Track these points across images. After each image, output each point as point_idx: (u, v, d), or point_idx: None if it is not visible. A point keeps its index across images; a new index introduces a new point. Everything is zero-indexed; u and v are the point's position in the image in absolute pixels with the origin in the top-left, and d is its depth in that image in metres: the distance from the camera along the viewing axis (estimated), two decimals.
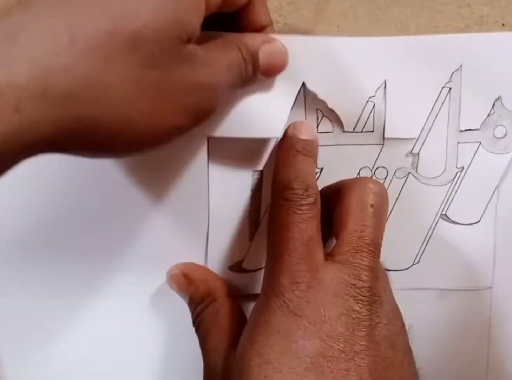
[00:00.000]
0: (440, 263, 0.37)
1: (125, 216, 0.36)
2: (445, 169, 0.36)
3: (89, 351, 0.37)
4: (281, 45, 0.32)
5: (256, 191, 0.36)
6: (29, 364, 0.37)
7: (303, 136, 0.33)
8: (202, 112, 0.29)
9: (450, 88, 0.35)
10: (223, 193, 0.36)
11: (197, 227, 0.36)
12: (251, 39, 0.31)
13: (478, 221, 0.36)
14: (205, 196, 0.35)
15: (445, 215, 0.36)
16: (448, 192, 0.36)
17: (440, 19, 0.36)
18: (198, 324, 0.34)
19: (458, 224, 0.36)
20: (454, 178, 0.36)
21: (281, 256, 0.30)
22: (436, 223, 0.36)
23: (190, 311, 0.35)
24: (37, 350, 0.37)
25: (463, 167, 0.36)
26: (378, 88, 0.34)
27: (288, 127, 0.34)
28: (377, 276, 0.30)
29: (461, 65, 0.34)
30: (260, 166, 0.35)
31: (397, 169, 0.36)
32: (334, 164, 0.35)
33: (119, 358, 0.37)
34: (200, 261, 0.36)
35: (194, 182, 0.35)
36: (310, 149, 0.33)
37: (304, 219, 0.30)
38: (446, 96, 0.35)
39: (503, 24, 0.36)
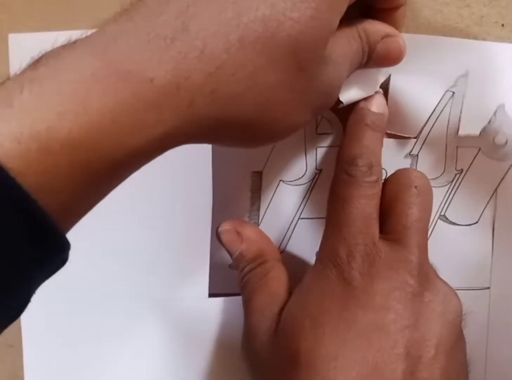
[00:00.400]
0: (438, 263, 0.37)
1: (129, 214, 0.36)
2: (444, 171, 0.36)
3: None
4: (402, 41, 0.32)
5: (255, 191, 0.36)
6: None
7: (374, 108, 0.33)
8: (323, 109, 0.30)
9: (454, 93, 0.35)
10: (225, 193, 0.36)
11: (200, 226, 0.36)
12: (375, 30, 0.31)
13: (476, 222, 0.36)
14: (209, 196, 0.35)
15: (444, 215, 0.37)
16: (447, 193, 0.36)
17: (440, 19, 0.35)
18: (245, 283, 0.34)
19: (457, 224, 0.37)
20: (453, 179, 0.36)
21: (339, 228, 0.31)
22: (435, 224, 0.37)
23: (237, 268, 0.35)
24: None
25: (462, 170, 0.36)
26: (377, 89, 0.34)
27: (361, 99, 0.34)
28: (427, 255, 0.31)
29: (467, 71, 0.34)
30: (260, 168, 0.36)
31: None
32: (333, 166, 0.35)
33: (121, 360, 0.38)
34: (203, 259, 0.36)
35: (198, 183, 0.35)
36: (379, 124, 0.33)
37: (364, 196, 0.31)
38: (449, 100, 0.35)
39: (502, 25, 0.36)
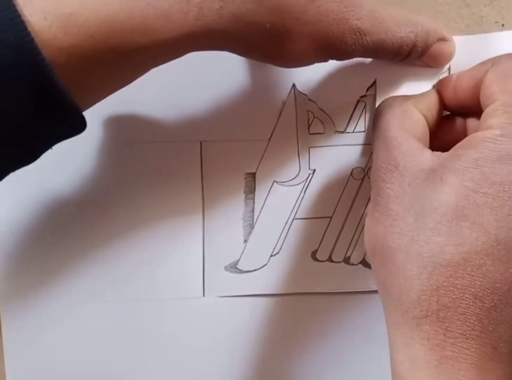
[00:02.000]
0: None
1: (121, 219, 0.36)
2: None
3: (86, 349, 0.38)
4: (454, 47, 0.33)
5: (249, 193, 0.36)
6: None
7: None
8: (326, 47, 0.29)
9: None
10: (217, 196, 0.36)
11: (193, 229, 0.36)
12: (434, 30, 0.32)
13: None
14: (199, 198, 0.36)
15: None
16: None
17: (440, 19, 0.35)
18: None
19: None
20: None
21: None
22: None
23: None
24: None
25: None
26: (368, 87, 0.34)
27: None
28: None
29: (449, 66, 0.34)
30: (253, 169, 0.36)
31: None
32: (326, 165, 0.36)
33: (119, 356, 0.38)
34: (197, 262, 0.37)
35: (188, 185, 0.36)
36: None
37: None
38: None
39: (503, 25, 0.35)
